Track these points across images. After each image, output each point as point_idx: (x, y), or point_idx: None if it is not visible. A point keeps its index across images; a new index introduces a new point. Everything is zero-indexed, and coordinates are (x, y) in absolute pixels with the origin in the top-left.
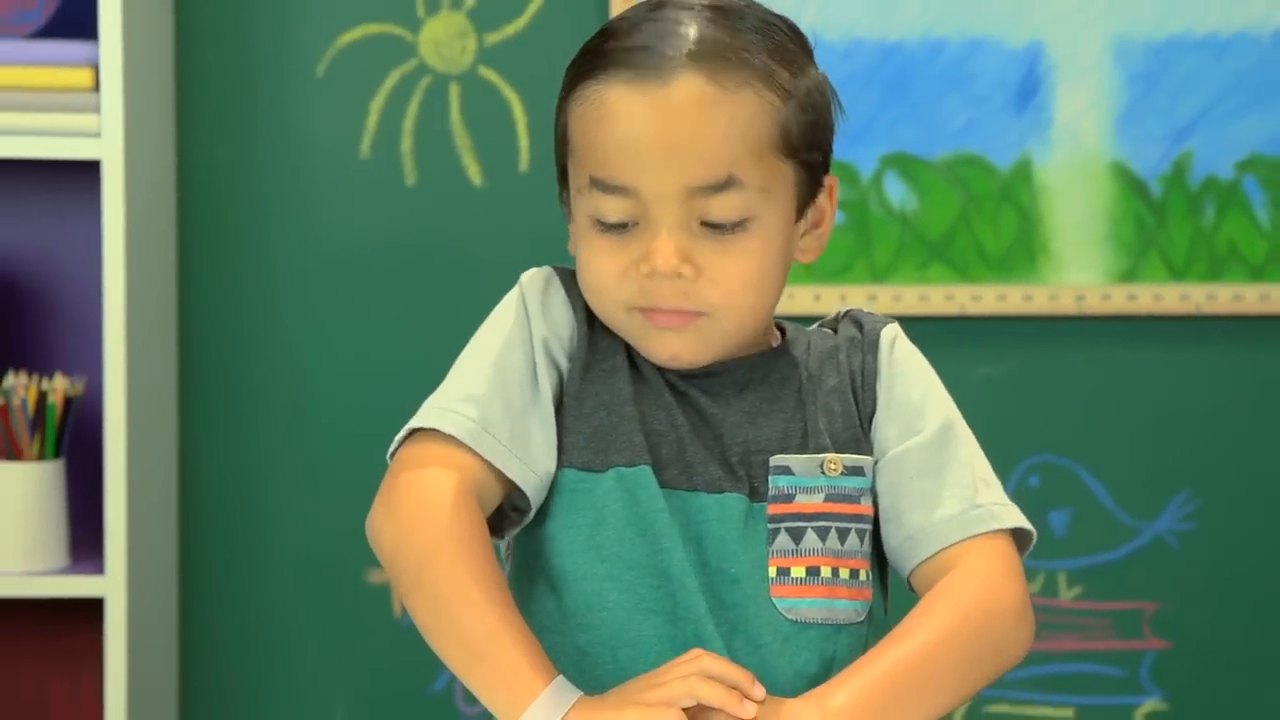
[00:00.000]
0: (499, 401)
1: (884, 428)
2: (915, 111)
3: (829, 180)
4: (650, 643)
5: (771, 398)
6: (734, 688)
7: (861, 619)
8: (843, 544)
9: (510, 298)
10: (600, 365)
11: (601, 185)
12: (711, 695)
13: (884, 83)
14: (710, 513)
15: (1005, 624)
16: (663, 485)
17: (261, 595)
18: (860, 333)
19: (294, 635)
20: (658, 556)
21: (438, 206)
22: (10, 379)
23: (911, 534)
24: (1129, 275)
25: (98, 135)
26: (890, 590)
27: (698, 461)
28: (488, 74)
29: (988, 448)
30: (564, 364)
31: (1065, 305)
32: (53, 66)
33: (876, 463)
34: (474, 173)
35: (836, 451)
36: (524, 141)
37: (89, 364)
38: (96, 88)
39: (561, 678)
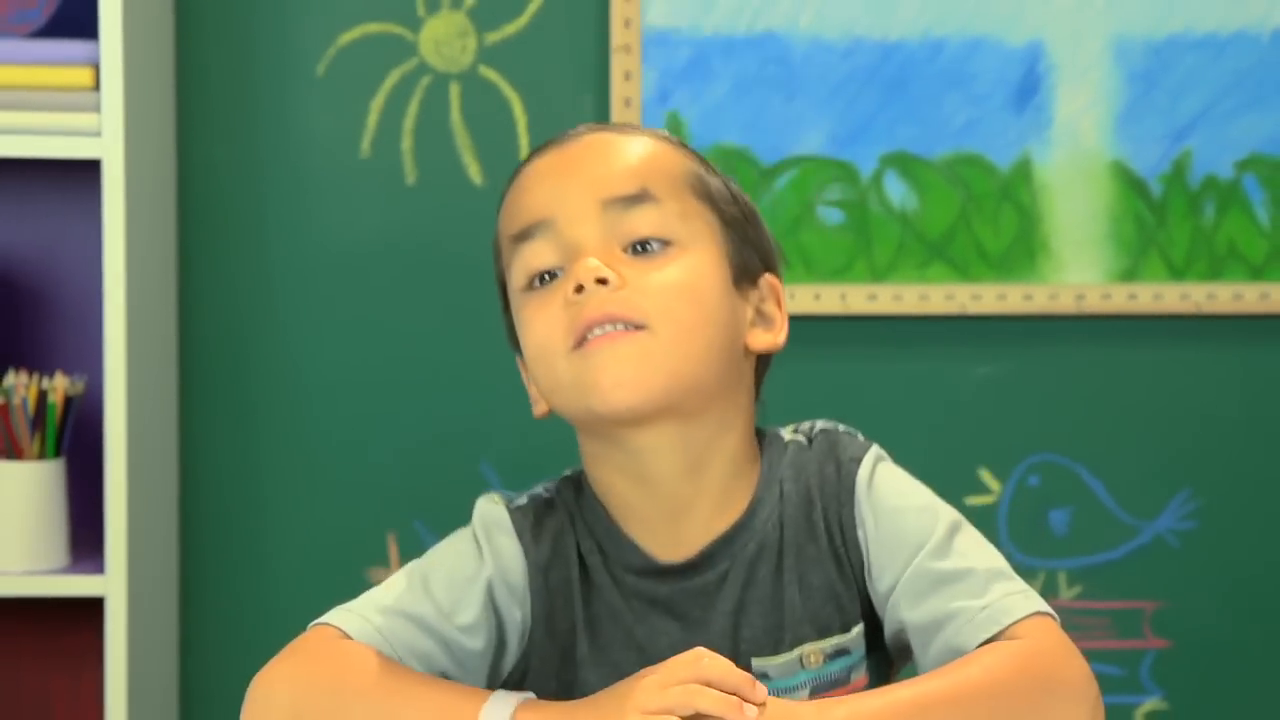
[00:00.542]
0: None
1: (880, 574)
2: (915, 111)
3: (771, 280)
4: None
5: (747, 582)
6: (733, 692)
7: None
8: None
9: (464, 532)
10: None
11: (521, 234)
12: (711, 705)
13: (884, 82)
14: None
15: (1060, 695)
16: None
17: (262, 594)
18: (837, 472)
19: (294, 634)
20: None
21: (438, 205)
22: (10, 378)
23: (939, 657)
24: (1129, 274)
25: (98, 134)
26: None
27: None
28: (488, 73)
29: (987, 447)
30: (515, 613)
31: (1065, 304)
32: (53, 66)
33: (888, 602)
34: (474, 171)
35: (818, 637)
36: (524, 140)
37: (89, 363)
38: (96, 87)
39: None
